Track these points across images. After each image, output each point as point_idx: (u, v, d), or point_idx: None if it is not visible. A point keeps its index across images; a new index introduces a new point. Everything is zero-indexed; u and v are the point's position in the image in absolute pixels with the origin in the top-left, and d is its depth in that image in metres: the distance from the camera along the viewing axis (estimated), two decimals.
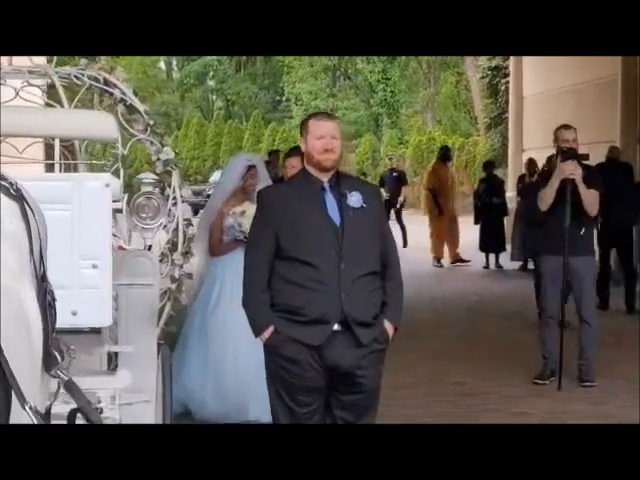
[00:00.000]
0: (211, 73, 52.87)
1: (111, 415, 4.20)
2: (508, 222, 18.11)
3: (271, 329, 4.88)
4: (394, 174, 23.24)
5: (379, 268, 5.00)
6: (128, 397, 4.79)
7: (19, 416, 2.00)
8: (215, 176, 28.98)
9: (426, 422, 7.24)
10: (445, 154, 19.42)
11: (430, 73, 43.11)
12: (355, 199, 4.94)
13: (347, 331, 4.86)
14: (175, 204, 5.58)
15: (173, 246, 5.73)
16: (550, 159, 8.39)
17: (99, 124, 4.98)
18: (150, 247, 5.44)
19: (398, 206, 22.28)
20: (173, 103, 52.28)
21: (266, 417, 5.58)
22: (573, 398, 8.05)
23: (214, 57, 47.57)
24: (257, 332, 4.98)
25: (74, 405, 2.43)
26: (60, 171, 5.71)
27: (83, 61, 5.39)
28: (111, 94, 5.54)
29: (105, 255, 4.22)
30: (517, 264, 16.87)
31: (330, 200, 4.96)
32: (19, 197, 2.43)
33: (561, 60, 15.78)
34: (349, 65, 45.25)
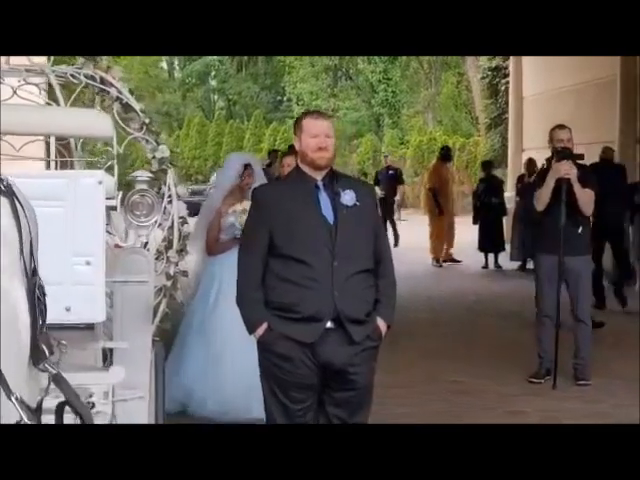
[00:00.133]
0: (213, 73, 52.89)
1: (103, 410, 4.23)
2: (507, 222, 18.15)
3: (264, 326, 4.92)
4: (390, 172, 23.07)
5: (372, 266, 5.03)
6: (123, 393, 4.82)
7: (7, 408, 2.04)
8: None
9: (421, 420, 7.30)
10: (446, 154, 19.46)
11: (431, 73, 43.14)
12: (349, 197, 4.97)
13: (340, 328, 4.89)
14: (170, 202, 5.61)
15: (168, 244, 5.76)
16: (549, 160, 8.40)
17: (95, 122, 5.01)
18: (146, 245, 5.48)
19: (395, 205, 22.15)
20: (175, 103, 52.30)
21: None
22: (568, 397, 8.08)
23: (215, 57, 47.61)
24: (251, 329, 5.01)
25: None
26: (56, 169, 5.75)
27: (80, 60, 5.42)
28: (107, 93, 5.57)
29: (98, 252, 4.26)
30: (516, 264, 16.92)
31: (324, 198, 4.99)
32: (9, 193, 2.46)
33: (560, 60, 15.81)
34: (350, 65, 45.27)
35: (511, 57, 21.42)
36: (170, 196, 5.63)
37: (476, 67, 34.06)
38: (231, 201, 7.69)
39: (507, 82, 23.57)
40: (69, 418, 2.55)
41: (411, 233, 21.87)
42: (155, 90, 50.39)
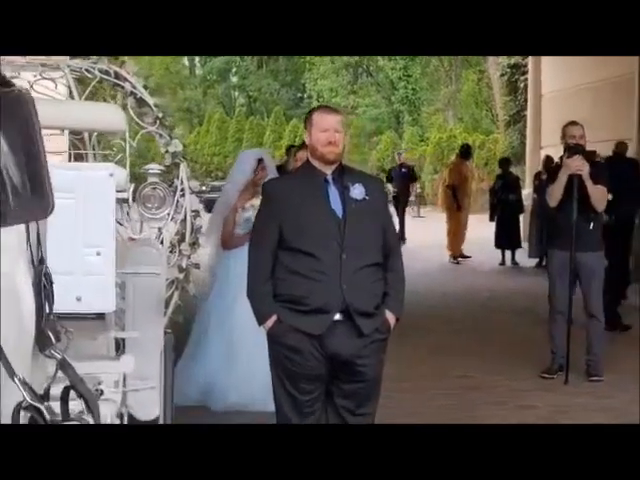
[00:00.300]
0: (233, 69, 53.02)
1: (112, 398, 4.30)
2: (524, 219, 18.16)
3: (274, 318, 4.98)
4: (403, 170, 22.89)
5: (381, 259, 5.08)
6: (135, 384, 4.90)
7: (10, 390, 2.10)
8: None
9: (431, 414, 7.37)
10: (466, 152, 19.48)
11: (452, 71, 43.09)
12: (358, 191, 5.03)
13: (348, 321, 4.95)
14: (183, 195, 5.68)
15: (181, 237, 5.83)
16: (562, 157, 8.43)
17: (108, 116, 5.09)
18: (161, 238, 5.55)
19: (412, 201, 22.01)
20: (195, 99, 52.47)
21: None
22: (579, 392, 8.11)
23: None
24: (260, 321, 5.08)
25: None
26: (70, 161, 5.83)
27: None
28: (122, 87, 5.65)
29: (108, 242, 4.33)
30: (534, 261, 16.92)
31: (333, 192, 5.05)
32: None
33: (579, 58, 15.79)
34: (371, 62, 45.28)
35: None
36: (183, 190, 5.70)
37: (496, 64, 34.01)
38: (246, 196, 7.76)
39: (526, 79, 23.53)
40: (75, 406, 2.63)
41: (429, 230, 21.93)
42: (176, 86, 50.59)
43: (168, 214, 5.42)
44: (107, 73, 5.58)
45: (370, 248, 5.04)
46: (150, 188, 5.16)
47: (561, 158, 8.43)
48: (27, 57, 5.47)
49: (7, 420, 2.05)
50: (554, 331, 8.53)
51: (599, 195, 8.10)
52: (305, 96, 48.48)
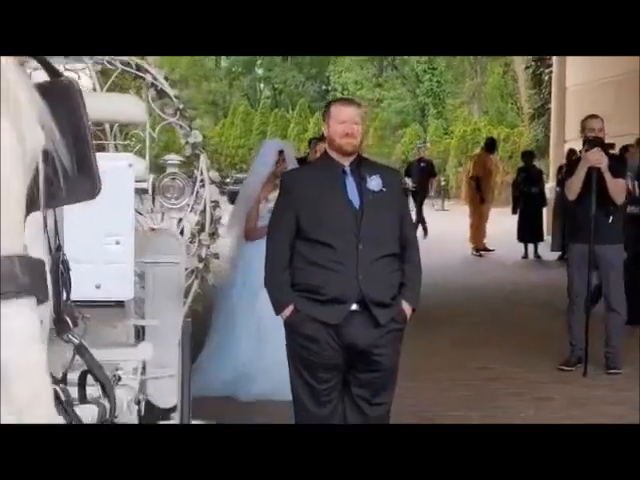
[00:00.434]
0: (259, 62, 53.09)
1: (130, 384, 4.37)
2: (548, 212, 18.13)
3: (291, 308, 5.04)
4: (422, 164, 22.67)
5: (397, 250, 5.13)
6: (155, 371, 4.96)
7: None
8: None
9: (449, 404, 7.43)
10: (490, 145, 19.51)
11: (477, 63, 42.98)
12: (375, 183, 5.08)
13: (365, 311, 5.00)
14: (203, 186, 5.74)
15: (201, 227, 5.89)
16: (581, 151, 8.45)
17: (128, 108, 5.16)
18: (182, 228, 5.62)
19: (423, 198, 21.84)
20: (221, 91, 52.59)
21: None
22: (597, 385, 8.13)
23: None
24: (278, 311, 5.14)
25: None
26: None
27: None
28: (143, 79, 5.72)
29: (127, 232, 4.40)
30: (557, 254, 16.90)
31: (350, 183, 5.10)
32: None
33: None
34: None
35: None
36: (202, 180, 5.75)
37: (522, 57, 33.90)
38: (269, 188, 7.82)
39: (551, 72, 23.46)
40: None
41: (452, 223, 21.93)
42: (201, 78, 50.68)
43: (187, 204, 5.49)
44: (128, 65, 5.64)
45: (387, 239, 5.09)
46: (169, 178, 5.23)
47: (580, 151, 8.45)
48: None
49: None
50: (573, 323, 8.55)
51: (618, 188, 8.11)
52: (330, 89, 48.50)
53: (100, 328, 4.33)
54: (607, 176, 8.01)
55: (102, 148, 5.89)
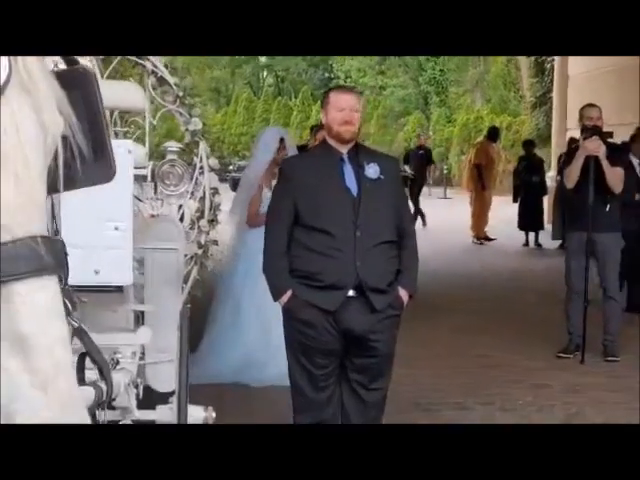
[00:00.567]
0: None
1: (128, 368, 4.42)
2: (548, 201, 18.17)
3: (289, 293, 5.09)
4: (420, 152, 22.66)
5: (395, 238, 5.18)
6: (154, 356, 5.01)
7: None
8: None
9: (448, 391, 7.49)
10: (493, 134, 19.53)
11: None
12: (372, 170, 5.12)
13: (362, 297, 5.05)
14: (202, 173, 5.77)
15: (201, 214, 5.92)
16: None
17: (128, 95, 5.19)
18: (182, 215, 5.66)
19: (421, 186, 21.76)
20: (223, 79, 52.56)
21: None
22: (595, 372, 8.19)
23: None
24: (276, 296, 5.19)
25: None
26: None
27: None
28: (143, 66, 5.74)
29: (126, 217, 4.44)
30: (558, 243, 16.92)
31: (348, 171, 5.14)
32: None
33: None
34: None
35: None
36: (202, 167, 5.78)
37: None
38: (270, 175, 7.86)
39: (553, 61, 23.45)
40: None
41: (454, 211, 21.96)
42: (204, 66, 50.64)
43: (187, 191, 5.52)
44: None
45: (384, 226, 5.13)
46: (168, 165, 5.26)
47: (579, 140, 8.49)
48: None
49: None
50: (571, 311, 8.60)
51: (616, 176, 8.15)
52: (333, 76, 48.49)
53: (99, 313, 4.38)
54: (605, 164, 8.05)
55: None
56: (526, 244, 17.88)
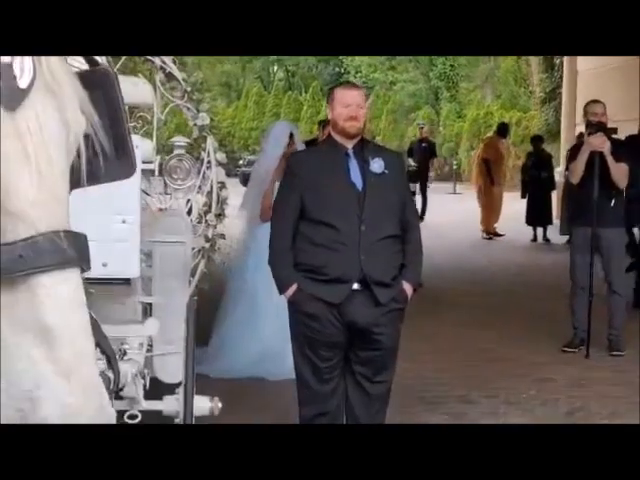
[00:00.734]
0: None
1: (135, 358, 4.50)
2: (557, 196, 18.18)
3: (294, 287, 5.16)
4: (423, 144, 22.55)
5: (399, 232, 5.24)
6: (162, 348, 5.09)
7: None
8: None
9: (453, 384, 7.54)
10: (502, 129, 19.56)
11: None
12: (377, 165, 5.19)
13: (366, 290, 5.12)
14: (210, 168, 5.83)
15: (208, 208, 5.98)
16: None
17: (136, 90, 5.26)
18: (190, 209, 5.73)
19: (429, 184, 21.70)
20: (234, 73, 52.53)
21: None
22: (599, 366, 8.24)
23: None
24: (281, 290, 5.27)
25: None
26: None
27: None
28: (151, 62, 5.81)
29: (134, 211, 4.52)
30: (566, 238, 16.92)
31: (353, 166, 5.21)
32: None
33: None
34: None
35: None
36: (209, 162, 5.85)
37: None
38: (281, 169, 7.91)
39: (562, 56, 23.42)
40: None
41: (464, 206, 21.97)
42: (215, 61, 50.63)
43: (194, 185, 5.59)
44: None
45: (388, 220, 5.20)
46: (176, 160, 5.33)
47: (584, 135, 8.54)
48: None
49: None
50: (575, 306, 8.66)
51: (620, 172, 8.21)
52: (343, 71, 48.44)
53: (107, 305, 4.45)
54: (609, 160, 8.11)
55: None
56: (534, 239, 17.90)
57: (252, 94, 45.82)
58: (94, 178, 2.19)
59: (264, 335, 7.75)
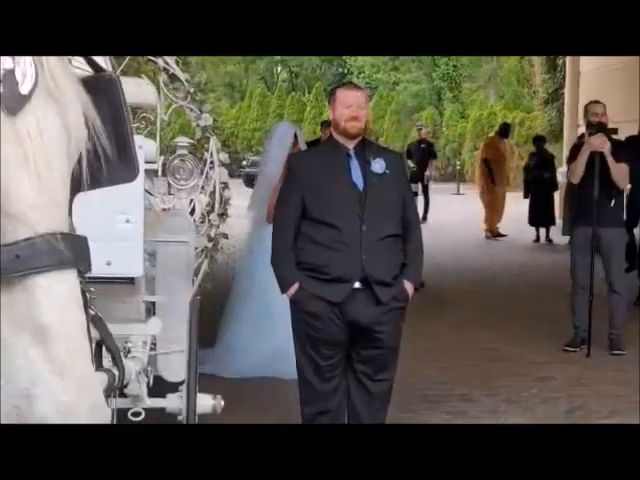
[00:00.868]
0: None
1: (139, 356, 4.55)
2: (559, 196, 18.20)
3: (296, 286, 5.21)
4: (422, 145, 22.38)
5: (400, 231, 5.29)
6: (166, 347, 5.13)
7: None
8: None
9: (454, 383, 7.59)
10: (504, 130, 19.60)
11: None
12: (378, 165, 5.23)
13: (367, 289, 5.16)
14: (212, 168, 5.87)
15: (211, 208, 6.03)
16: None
17: (139, 91, 5.31)
18: (193, 209, 5.78)
19: (426, 182, 21.68)
20: (237, 74, 52.58)
21: None
22: (600, 365, 8.27)
23: None
24: (283, 289, 5.32)
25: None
26: None
27: None
28: (154, 63, 5.86)
29: (137, 210, 4.57)
30: (568, 238, 16.91)
31: (355, 166, 5.26)
32: None
33: None
34: None
35: None
36: (212, 162, 5.89)
37: None
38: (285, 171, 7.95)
39: (565, 57, 23.46)
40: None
41: (467, 207, 22.00)
42: (219, 61, 50.68)
43: (197, 185, 5.63)
44: None
45: (389, 220, 5.24)
46: (179, 160, 5.37)
47: (584, 135, 8.59)
48: None
49: None
50: (576, 305, 8.71)
51: (621, 172, 8.25)
52: (346, 72, 48.48)
53: (111, 304, 4.49)
54: (610, 160, 8.15)
55: None
56: (537, 240, 17.93)
57: (255, 95, 45.87)
58: (96, 182, 2.24)
59: (275, 335, 7.78)
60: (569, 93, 21.68)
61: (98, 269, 3.88)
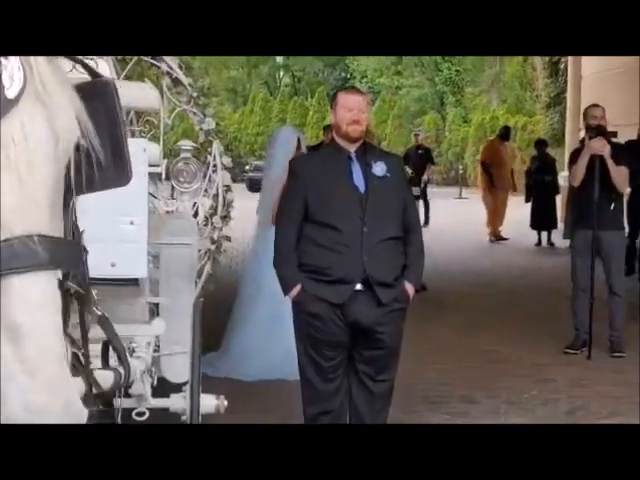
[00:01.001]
0: None
1: (143, 356, 4.61)
2: (561, 200, 18.26)
3: (298, 287, 5.26)
4: (419, 151, 22.27)
5: (401, 234, 5.34)
6: (169, 348, 5.19)
7: None
8: None
9: (456, 385, 7.63)
10: (504, 133, 19.65)
11: None
12: (379, 169, 5.29)
13: (369, 291, 5.21)
14: (215, 171, 5.94)
15: (214, 211, 6.10)
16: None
17: (143, 95, 5.38)
18: (196, 212, 5.84)
19: (422, 185, 21.64)
20: (240, 79, 52.68)
21: None
22: (600, 367, 8.30)
23: None
24: (286, 290, 5.36)
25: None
26: None
27: None
28: (158, 67, 5.93)
29: (141, 212, 4.64)
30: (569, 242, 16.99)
31: (356, 169, 5.31)
32: None
33: None
34: None
35: None
36: (215, 165, 5.96)
37: None
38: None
39: (567, 61, 23.52)
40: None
41: (469, 211, 22.04)
42: (222, 66, 50.80)
43: (200, 188, 5.70)
44: None
45: (390, 222, 5.30)
46: (182, 163, 5.44)
47: (584, 139, 8.65)
48: None
49: None
50: (577, 308, 8.75)
51: (621, 175, 8.31)
52: (349, 77, 48.57)
53: (115, 305, 4.55)
54: (610, 163, 8.21)
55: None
56: (539, 243, 17.97)
57: (258, 99, 45.99)
58: (90, 185, 2.28)
59: (286, 337, 7.80)
60: (571, 97, 21.72)
61: (103, 270, 3.96)
